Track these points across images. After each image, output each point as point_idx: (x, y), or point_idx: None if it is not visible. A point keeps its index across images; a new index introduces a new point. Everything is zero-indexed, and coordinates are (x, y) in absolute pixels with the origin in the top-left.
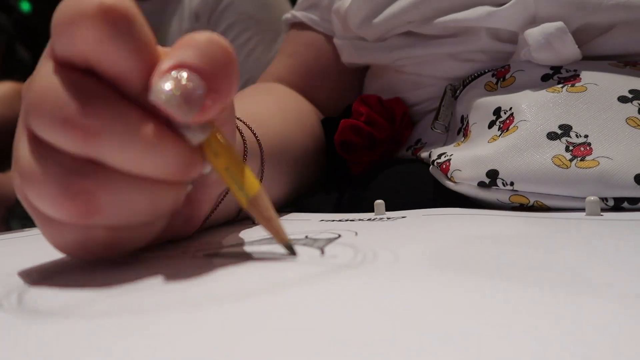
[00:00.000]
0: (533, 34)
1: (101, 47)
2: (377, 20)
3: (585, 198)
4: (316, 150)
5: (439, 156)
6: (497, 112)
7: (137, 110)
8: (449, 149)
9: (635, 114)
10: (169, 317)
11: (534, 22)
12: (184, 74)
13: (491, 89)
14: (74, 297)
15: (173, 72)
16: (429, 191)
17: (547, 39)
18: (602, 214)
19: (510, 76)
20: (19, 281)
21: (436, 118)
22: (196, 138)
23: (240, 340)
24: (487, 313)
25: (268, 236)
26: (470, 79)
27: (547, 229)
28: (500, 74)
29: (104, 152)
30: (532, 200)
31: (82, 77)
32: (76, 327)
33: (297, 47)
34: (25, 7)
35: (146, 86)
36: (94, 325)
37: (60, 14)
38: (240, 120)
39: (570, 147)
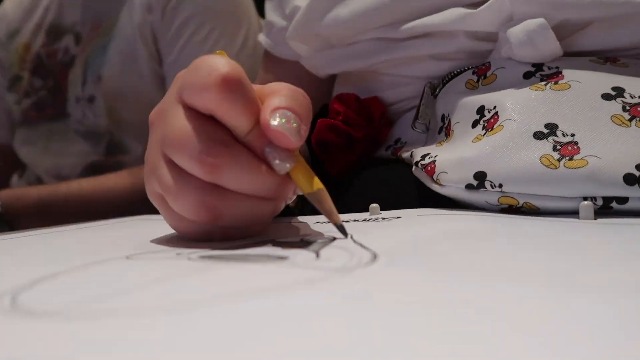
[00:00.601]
0: (514, 31)
1: (222, 106)
2: (343, 15)
3: (575, 198)
4: None
5: (423, 157)
6: (481, 111)
7: (245, 149)
8: (432, 150)
9: (620, 112)
10: (161, 319)
11: (511, 20)
12: (285, 111)
13: (472, 87)
14: (69, 299)
15: (278, 112)
16: (412, 193)
17: (528, 36)
18: (595, 218)
19: (492, 74)
20: (12, 283)
21: (416, 117)
22: (284, 168)
23: (232, 344)
24: (484, 315)
25: (261, 239)
26: (449, 77)
27: (542, 231)
28: (481, 72)
29: (224, 180)
30: (521, 202)
31: (206, 123)
32: (70, 328)
33: (263, 75)
34: None
35: (252, 129)
36: (89, 327)
37: (193, 77)
38: None
39: (558, 147)
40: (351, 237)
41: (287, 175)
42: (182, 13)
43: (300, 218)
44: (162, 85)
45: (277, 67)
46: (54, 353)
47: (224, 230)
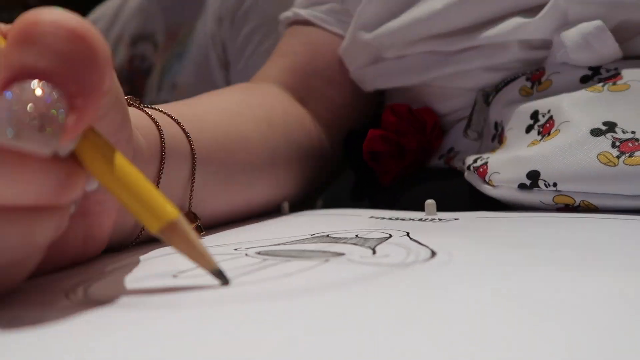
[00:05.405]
0: (570, 34)
1: None
2: (394, 24)
3: (637, 196)
4: (292, 158)
5: (475, 160)
6: (535, 115)
7: None
8: (485, 154)
9: None
10: (222, 310)
11: (566, 25)
12: (33, 87)
13: (527, 94)
14: (133, 290)
15: (14, 88)
16: (465, 201)
17: (585, 39)
18: None
19: (547, 79)
20: (85, 275)
21: (468, 125)
22: (62, 149)
23: (294, 337)
24: (551, 310)
25: (318, 233)
26: (503, 84)
27: (604, 228)
28: (535, 78)
29: None
30: (578, 200)
31: None
32: (135, 317)
33: (292, 46)
34: None
35: None
36: (152, 315)
37: None
38: (166, 114)
39: (617, 143)
40: (407, 235)
41: (71, 161)
42: (249, 23)
43: (354, 211)
44: None
45: (303, 48)
46: (120, 338)
47: None
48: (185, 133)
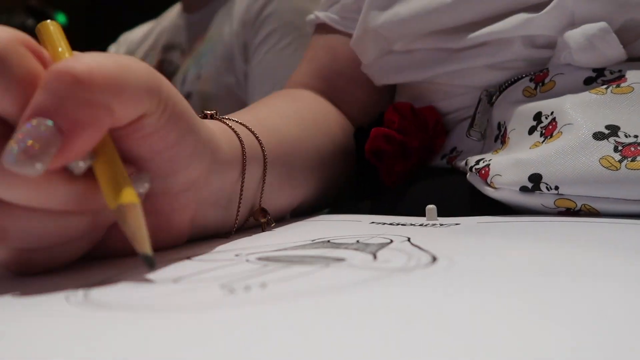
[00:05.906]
0: (574, 35)
1: None
2: (403, 14)
3: (638, 200)
4: (335, 156)
5: (477, 162)
6: (538, 117)
7: None
8: (487, 155)
9: None
10: (225, 315)
11: (572, 24)
12: (33, 122)
13: (530, 95)
14: (134, 294)
15: (31, 122)
16: (467, 202)
17: (589, 40)
18: None
19: (550, 80)
20: (85, 279)
21: (471, 125)
22: (78, 168)
23: (295, 342)
24: (544, 325)
25: (319, 239)
26: (506, 84)
27: (612, 237)
28: (539, 79)
29: None
30: (579, 204)
31: None
32: (136, 320)
33: (316, 51)
34: (61, 19)
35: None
36: (153, 320)
37: None
38: (242, 124)
39: (619, 148)
40: (408, 240)
41: (92, 177)
42: (268, 26)
43: (355, 217)
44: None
45: (323, 53)
46: (119, 341)
47: (23, 255)
48: (259, 140)
